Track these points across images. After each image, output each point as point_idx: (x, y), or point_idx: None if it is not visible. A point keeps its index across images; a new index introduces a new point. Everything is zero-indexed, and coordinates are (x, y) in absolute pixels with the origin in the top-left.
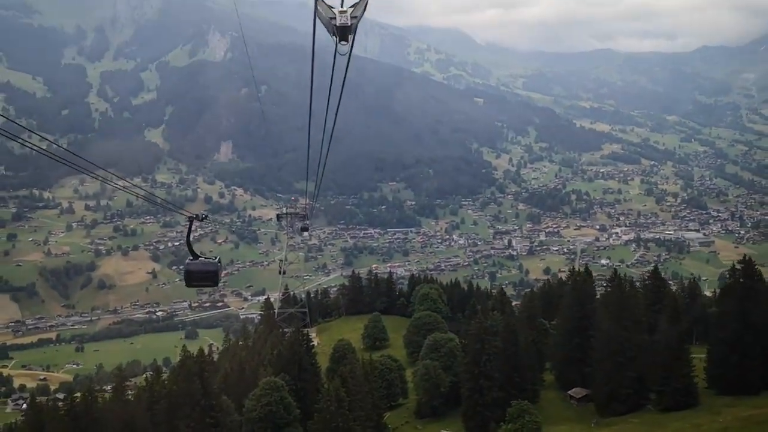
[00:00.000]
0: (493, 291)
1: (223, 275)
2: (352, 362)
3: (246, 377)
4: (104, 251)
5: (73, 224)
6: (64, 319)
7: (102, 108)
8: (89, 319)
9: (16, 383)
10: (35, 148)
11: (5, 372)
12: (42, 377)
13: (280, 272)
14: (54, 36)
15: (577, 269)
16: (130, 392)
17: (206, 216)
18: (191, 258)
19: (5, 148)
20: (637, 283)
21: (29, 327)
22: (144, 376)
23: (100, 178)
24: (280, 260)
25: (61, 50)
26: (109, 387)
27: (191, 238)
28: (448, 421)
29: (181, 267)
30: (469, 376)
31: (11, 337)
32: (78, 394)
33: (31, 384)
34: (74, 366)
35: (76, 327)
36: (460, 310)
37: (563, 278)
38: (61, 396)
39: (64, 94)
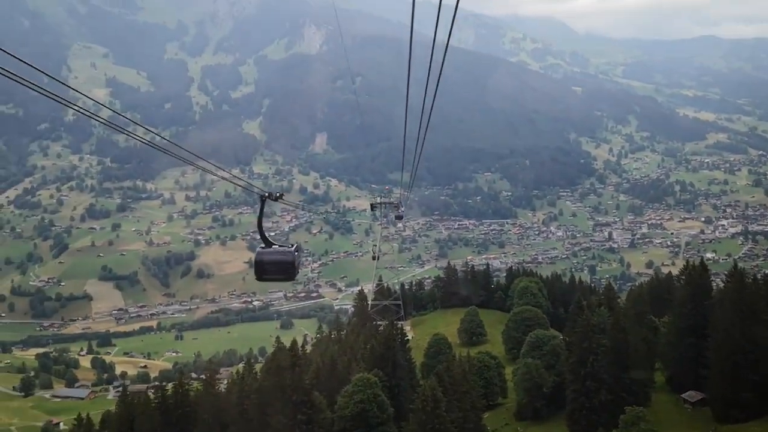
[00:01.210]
0: (594, 285)
1: (301, 266)
2: (448, 359)
3: (338, 372)
4: (203, 241)
5: (174, 214)
6: (164, 308)
7: (202, 101)
8: (188, 307)
9: (118, 370)
10: (140, 139)
11: (108, 359)
12: (142, 365)
13: (373, 258)
14: (157, 32)
15: (690, 263)
16: (221, 384)
17: (281, 195)
18: (263, 246)
19: (111, 141)
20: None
21: (131, 315)
22: (239, 366)
23: (200, 169)
24: (374, 246)
25: (163, 45)
26: (203, 377)
27: (263, 223)
28: (550, 424)
29: None
30: (574, 377)
31: (114, 324)
32: (169, 386)
33: (132, 371)
34: (173, 354)
35: (175, 315)
36: (562, 305)
37: (673, 272)
38: (156, 386)
39: (167, 88)
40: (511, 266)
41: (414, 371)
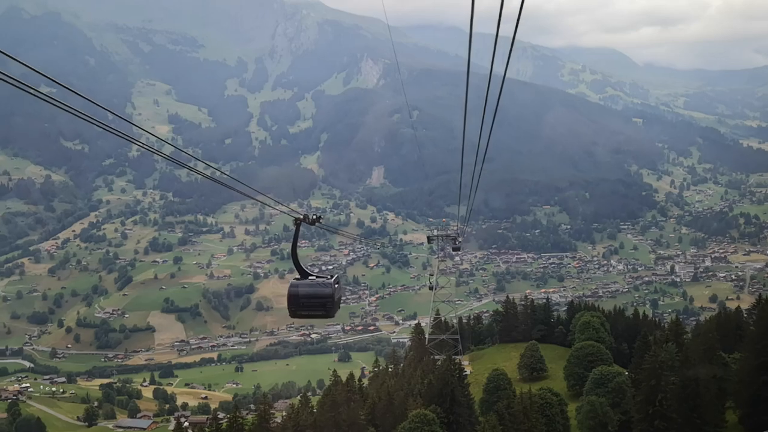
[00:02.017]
0: (657, 319)
1: (341, 301)
2: (508, 395)
3: (394, 408)
4: (262, 274)
5: (234, 248)
6: (224, 339)
7: (261, 136)
8: (248, 339)
9: (180, 401)
10: (202, 174)
11: (170, 390)
12: (203, 396)
13: (430, 288)
14: (218, 68)
15: (763, 297)
16: (277, 418)
17: (318, 218)
18: (297, 277)
19: (173, 176)
20: None
21: (193, 347)
22: (296, 398)
23: (259, 203)
24: (430, 276)
25: (224, 82)
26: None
27: (297, 249)
28: None
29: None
30: (642, 416)
31: (176, 356)
32: (225, 420)
33: (193, 402)
34: (233, 385)
35: (235, 347)
36: (625, 340)
37: (738, 307)
38: (211, 417)
39: (227, 123)
40: (572, 300)
41: (473, 407)
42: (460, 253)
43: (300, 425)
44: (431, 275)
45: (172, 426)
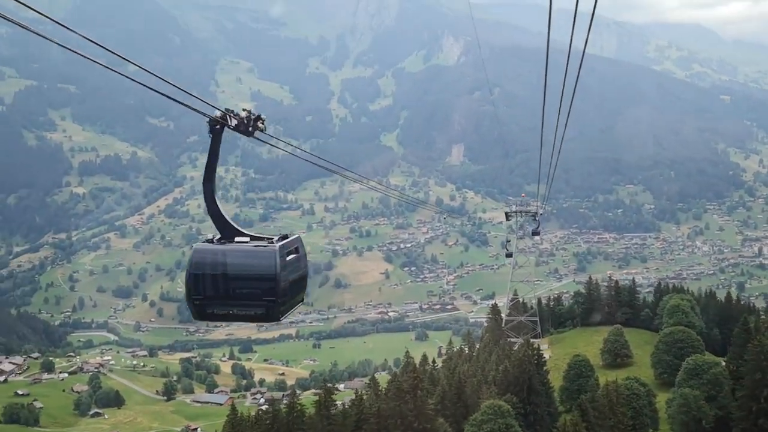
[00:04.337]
0: (753, 304)
1: (303, 285)
2: (591, 385)
3: (466, 397)
4: (341, 251)
5: (314, 225)
6: (303, 316)
7: (342, 114)
8: (326, 316)
9: (257, 377)
10: (285, 150)
11: (248, 365)
12: (281, 372)
13: (507, 255)
14: (299, 46)
15: None
16: (337, 403)
17: (258, 118)
18: (212, 237)
19: (255, 153)
20: None
21: (272, 323)
22: (366, 380)
23: (347, 177)
24: (507, 241)
25: (305, 59)
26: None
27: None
28: None
29: (413, 269)
30: (744, 414)
31: (255, 331)
32: (283, 404)
33: (270, 378)
34: (311, 362)
35: (313, 324)
36: (716, 325)
37: None
38: (270, 399)
39: (308, 101)
40: (659, 282)
41: (552, 396)
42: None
43: (363, 414)
44: (508, 241)
45: (248, 402)
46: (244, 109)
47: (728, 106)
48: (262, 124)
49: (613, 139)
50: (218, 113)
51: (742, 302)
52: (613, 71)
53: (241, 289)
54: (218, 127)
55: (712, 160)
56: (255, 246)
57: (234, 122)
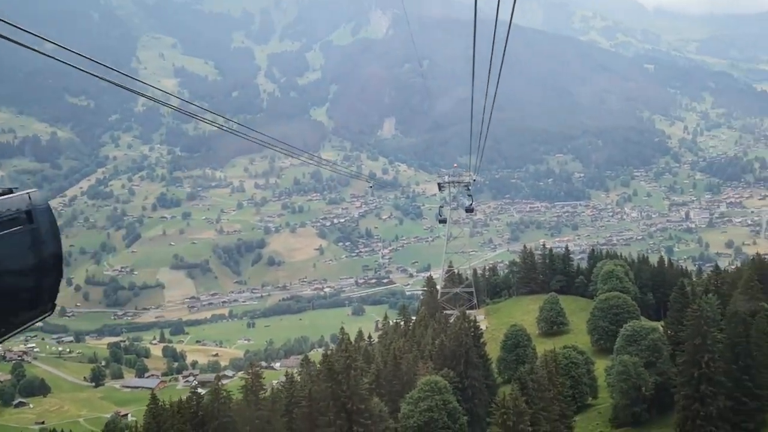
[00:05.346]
0: (685, 267)
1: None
2: (529, 355)
3: (402, 374)
4: (273, 228)
5: (244, 202)
6: (236, 295)
7: (269, 89)
8: (260, 295)
9: (190, 359)
10: (217, 125)
11: (179, 348)
12: (214, 353)
13: (440, 221)
14: (223, 20)
15: None
16: (266, 387)
17: None
18: None
19: (180, 131)
20: None
21: (203, 303)
22: (307, 353)
23: (283, 152)
24: (440, 207)
25: (230, 34)
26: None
27: None
28: None
29: (348, 243)
30: (686, 380)
31: (187, 313)
32: (205, 392)
33: (203, 360)
34: (245, 342)
35: (247, 303)
36: (650, 289)
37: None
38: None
39: (234, 76)
40: (593, 248)
41: (490, 369)
42: (474, 216)
43: (294, 396)
44: (441, 206)
45: (180, 385)
46: None
47: (652, 74)
48: None
49: (541, 109)
50: None
51: (675, 266)
52: (539, 42)
53: None
54: None
55: (638, 128)
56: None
57: None
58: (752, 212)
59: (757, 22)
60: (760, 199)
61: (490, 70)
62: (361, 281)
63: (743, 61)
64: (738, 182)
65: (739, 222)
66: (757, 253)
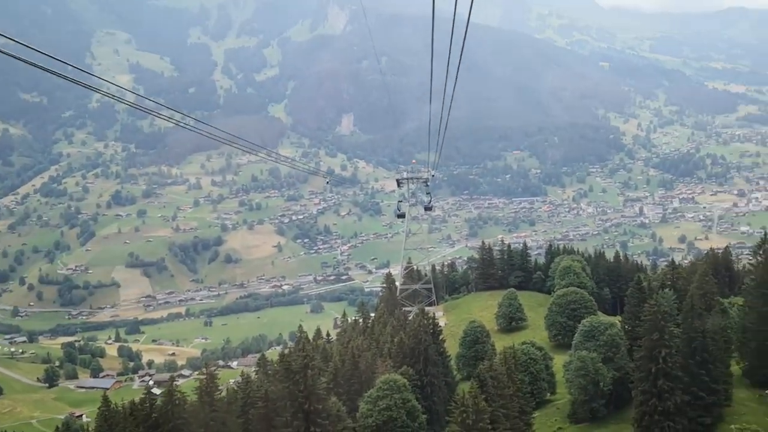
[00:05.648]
0: (641, 262)
1: None
2: (488, 351)
3: (360, 372)
4: (230, 226)
5: (201, 199)
6: (193, 294)
7: (226, 85)
8: (217, 293)
9: (145, 358)
10: (176, 122)
11: (135, 347)
12: (171, 352)
13: (398, 216)
14: (179, 16)
15: None
16: (222, 388)
17: None
18: None
19: (135, 127)
20: None
21: (160, 302)
22: (265, 351)
23: (242, 148)
24: (399, 201)
25: (186, 30)
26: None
27: None
28: (611, 428)
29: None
30: (643, 375)
31: (143, 312)
32: (159, 393)
33: (159, 359)
34: (202, 340)
35: (204, 301)
36: (607, 284)
37: (707, 247)
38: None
39: (190, 72)
40: (550, 244)
41: (449, 366)
42: (432, 213)
43: (250, 397)
44: (400, 201)
45: (136, 385)
46: None
47: (607, 72)
48: None
49: (499, 106)
50: None
51: (630, 261)
52: (497, 40)
53: None
54: None
55: (593, 125)
56: None
57: None
58: (704, 208)
59: (709, 21)
60: (711, 195)
61: (448, 67)
62: (320, 278)
63: (695, 60)
64: (690, 178)
65: (692, 217)
66: (711, 248)
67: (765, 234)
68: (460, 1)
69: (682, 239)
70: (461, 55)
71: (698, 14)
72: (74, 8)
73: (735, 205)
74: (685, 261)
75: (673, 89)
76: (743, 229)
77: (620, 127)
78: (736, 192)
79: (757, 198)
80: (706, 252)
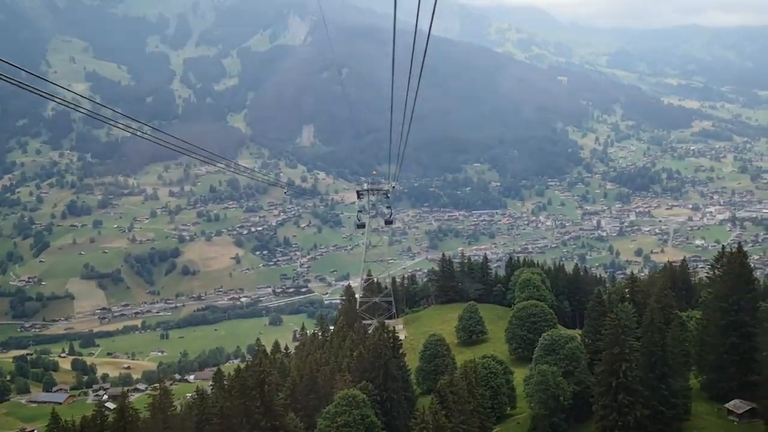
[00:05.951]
0: (599, 275)
1: None
2: (448, 365)
3: (319, 387)
4: (188, 237)
5: (158, 210)
6: (149, 306)
7: (185, 95)
8: (174, 305)
9: (100, 372)
10: (135, 132)
11: (90, 360)
12: (126, 366)
13: (357, 226)
14: (138, 25)
15: (728, 249)
16: (176, 404)
17: None
18: None
19: (91, 137)
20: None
21: (115, 314)
22: (222, 365)
23: (200, 158)
24: (359, 211)
25: (144, 39)
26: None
27: None
28: None
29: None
30: (604, 389)
31: (98, 324)
32: (112, 408)
33: (114, 373)
34: (159, 353)
35: (160, 314)
36: (566, 297)
37: (663, 260)
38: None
39: (148, 81)
40: (510, 256)
41: (408, 381)
42: (392, 225)
43: (205, 413)
44: (360, 211)
45: (90, 399)
46: None
47: (565, 86)
48: None
49: (459, 119)
50: None
51: (590, 274)
52: (457, 53)
53: None
54: None
55: (552, 139)
56: None
57: None
58: (660, 221)
59: (664, 37)
60: (667, 209)
61: (409, 79)
62: (279, 290)
63: (651, 75)
64: (646, 192)
65: (648, 231)
66: (668, 261)
67: (723, 248)
68: (421, 14)
69: (638, 252)
70: (422, 68)
71: (653, 30)
72: (30, 15)
73: (690, 218)
74: (642, 274)
75: (630, 104)
76: (698, 242)
77: (578, 141)
78: (690, 206)
79: (711, 212)
80: (663, 265)
